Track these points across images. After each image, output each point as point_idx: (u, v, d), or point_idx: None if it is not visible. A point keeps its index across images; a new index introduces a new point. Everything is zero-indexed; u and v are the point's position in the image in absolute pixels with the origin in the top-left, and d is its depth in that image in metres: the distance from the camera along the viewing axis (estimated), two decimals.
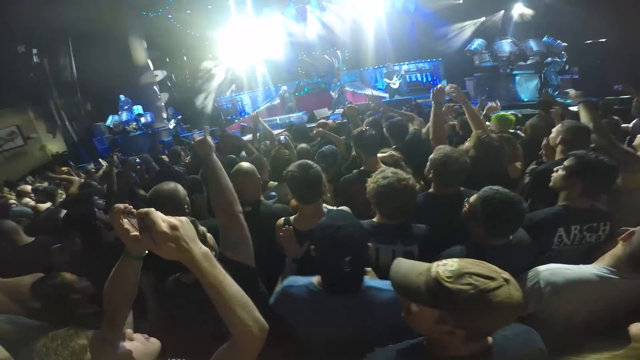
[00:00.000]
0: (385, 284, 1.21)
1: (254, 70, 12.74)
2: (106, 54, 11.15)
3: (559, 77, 8.10)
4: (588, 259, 1.32)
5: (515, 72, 8.61)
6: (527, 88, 8.44)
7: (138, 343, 0.93)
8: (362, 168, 2.38)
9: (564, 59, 8.20)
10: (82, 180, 4.15)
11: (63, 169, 5.04)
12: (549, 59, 8.05)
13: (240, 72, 12.75)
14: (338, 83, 11.02)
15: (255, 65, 12.72)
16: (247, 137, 6.48)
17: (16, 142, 10.33)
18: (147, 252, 0.98)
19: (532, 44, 8.58)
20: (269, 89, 12.44)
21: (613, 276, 1.17)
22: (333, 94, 10.83)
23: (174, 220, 0.80)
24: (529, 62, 8.73)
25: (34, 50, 10.06)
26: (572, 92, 2.54)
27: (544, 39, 8.40)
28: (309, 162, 1.78)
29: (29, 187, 4.81)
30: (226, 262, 1.33)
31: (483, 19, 10.78)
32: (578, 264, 1.27)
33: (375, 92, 11.26)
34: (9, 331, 1.30)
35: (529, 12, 9.73)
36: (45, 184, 4.90)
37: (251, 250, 1.45)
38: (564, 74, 8.22)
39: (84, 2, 9.71)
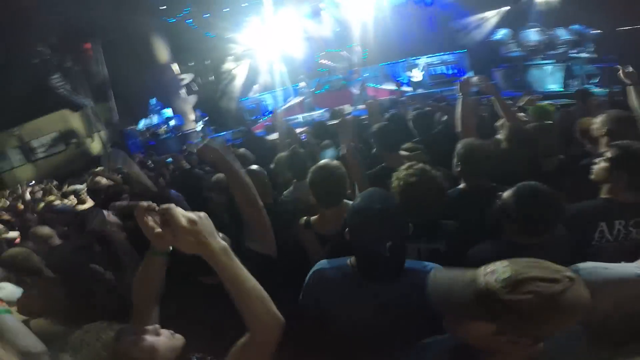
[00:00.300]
0: (426, 265, 1.18)
1: (274, 70, 12.88)
2: (133, 59, 11.74)
3: (593, 67, 7.60)
4: (634, 257, 1.25)
5: (540, 62, 8.18)
6: (557, 78, 8.00)
7: (164, 338, 0.97)
8: (383, 164, 2.32)
9: (592, 49, 7.67)
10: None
11: (97, 169, 5.34)
12: (574, 50, 7.53)
13: (261, 72, 12.90)
14: (358, 79, 10.92)
15: (274, 65, 12.86)
16: (273, 135, 6.60)
17: (58, 147, 11.10)
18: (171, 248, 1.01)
19: (561, 32, 8.11)
20: (289, 88, 12.54)
21: None
22: (354, 90, 10.75)
23: (192, 215, 0.84)
24: (559, 50, 8.26)
25: (68, 58, 10.74)
26: (624, 71, 2.27)
27: (573, 26, 7.92)
28: (333, 162, 1.71)
29: (72, 188, 5.16)
30: (251, 254, 1.38)
31: (508, 8, 10.26)
32: (622, 261, 1.21)
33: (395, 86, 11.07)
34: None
35: None
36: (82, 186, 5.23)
37: (273, 242, 1.49)
38: (597, 63, 7.71)
39: (108, 10, 10.27)
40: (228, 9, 12.23)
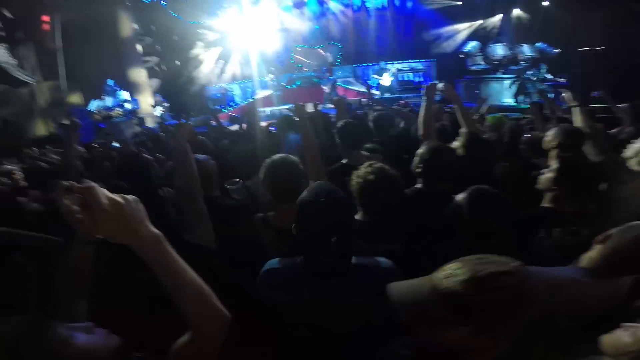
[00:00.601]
0: (374, 261, 1.19)
1: (246, 60, 12.55)
2: (95, 39, 10.83)
3: (544, 85, 8.23)
4: (568, 263, 1.30)
5: (499, 76, 8.73)
6: (512, 93, 8.57)
7: (98, 337, 0.85)
8: (344, 161, 2.31)
9: (544, 69, 8.33)
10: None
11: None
12: (529, 70, 8.13)
13: (231, 62, 12.50)
14: (330, 77, 10.94)
15: (247, 56, 12.52)
16: (235, 127, 6.40)
17: None
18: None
19: (525, 49, 8.71)
20: (261, 81, 12.27)
21: (587, 279, 1.16)
22: (325, 88, 10.74)
23: (118, 197, 0.73)
24: (519, 66, 8.85)
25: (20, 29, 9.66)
26: (566, 95, 2.51)
27: (537, 44, 8.53)
28: (288, 156, 1.68)
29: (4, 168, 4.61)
30: (186, 244, 1.28)
31: (481, 21, 10.86)
32: (557, 266, 1.26)
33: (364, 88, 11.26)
34: None
35: (526, 16, 9.84)
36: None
37: (211, 233, 1.42)
38: (549, 82, 8.37)
39: None
40: None
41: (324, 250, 1.09)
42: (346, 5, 12.01)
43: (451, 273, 0.76)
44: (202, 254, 1.28)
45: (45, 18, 9.90)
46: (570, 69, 8.16)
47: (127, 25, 11.47)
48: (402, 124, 3.42)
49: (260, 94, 11.84)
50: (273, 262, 1.26)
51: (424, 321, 0.78)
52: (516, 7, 9.94)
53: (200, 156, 1.93)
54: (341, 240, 1.09)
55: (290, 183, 1.61)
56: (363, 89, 11.22)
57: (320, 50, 12.38)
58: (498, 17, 10.57)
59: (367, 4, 11.97)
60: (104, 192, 0.73)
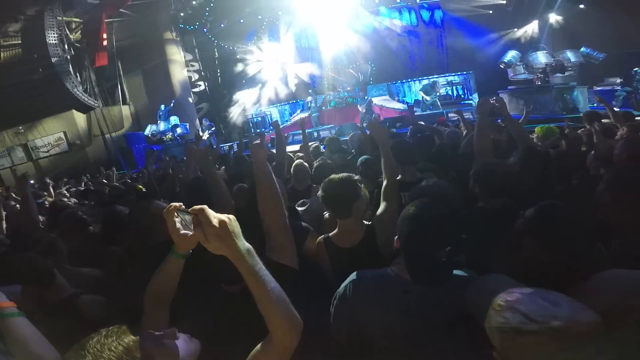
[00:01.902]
0: (470, 273, 1.23)
1: (283, 84, 13.10)
2: (147, 66, 11.95)
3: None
4: None
5: (545, 85, 8.31)
6: (566, 101, 8.09)
7: (183, 342, 0.95)
8: (399, 177, 2.30)
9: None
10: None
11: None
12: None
13: (269, 85, 13.11)
14: (366, 97, 11.07)
15: (284, 79, 13.09)
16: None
17: (62, 148, 11.14)
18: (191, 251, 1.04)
19: (569, 55, 8.27)
20: (297, 102, 12.70)
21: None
22: (360, 108, 10.88)
23: (223, 217, 0.86)
24: (566, 73, 8.41)
25: (85, 62, 10.93)
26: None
27: (582, 49, 8.08)
28: (343, 174, 1.71)
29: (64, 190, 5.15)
30: (272, 265, 1.36)
31: (515, 30, 10.55)
32: None
33: (401, 105, 11.21)
34: None
35: (563, 21, 9.42)
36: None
37: (295, 254, 1.46)
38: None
39: (127, 17, 10.54)
40: (242, 20, 12.54)
41: (435, 260, 1.14)
42: (378, 24, 12.25)
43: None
44: (287, 274, 1.33)
45: (104, 45, 10.88)
46: (624, 72, 7.61)
47: (175, 52, 12.52)
48: (437, 141, 3.42)
49: (297, 116, 12.26)
50: (361, 274, 1.28)
51: None
52: (551, 12, 9.54)
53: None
54: (452, 250, 1.15)
55: (348, 201, 1.63)
56: (400, 106, 11.22)
57: (351, 70, 12.61)
58: (534, 24, 10.20)
59: (395, 22, 12.10)
60: (212, 212, 0.86)
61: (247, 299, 1.15)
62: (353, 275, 1.29)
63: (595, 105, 6.97)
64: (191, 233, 0.90)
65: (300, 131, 4.10)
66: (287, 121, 12.48)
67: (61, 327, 1.14)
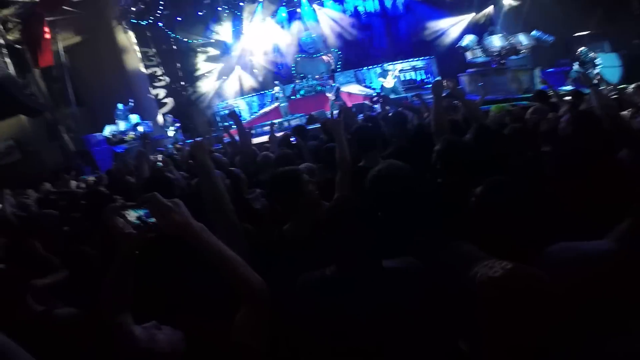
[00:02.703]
0: (402, 262, 1.22)
1: (249, 75, 12.80)
2: (100, 64, 11.19)
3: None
4: None
5: (500, 67, 8.73)
6: (521, 81, 8.55)
7: (165, 334, 0.99)
8: (360, 164, 2.34)
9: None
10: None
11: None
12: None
13: (235, 77, 12.77)
14: (334, 84, 11.11)
15: (249, 70, 12.79)
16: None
17: (14, 156, 10.31)
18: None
19: (522, 38, 8.71)
20: (265, 94, 12.51)
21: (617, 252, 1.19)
22: (329, 95, 10.91)
23: (173, 200, 0.93)
24: (520, 55, 8.86)
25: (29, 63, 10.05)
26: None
27: (533, 32, 8.53)
28: (287, 168, 1.70)
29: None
30: None
31: (473, 14, 10.93)
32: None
33: (368, 91, 11.36)
34: None
35: (516, 4, 9.87)
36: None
37: (245, 243, 1.47)
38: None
39: (73, 15, 9.78)
40: (202, 13, 12.04)
41: (356, 256, 1.13)
42: (342, 12, 12.22)
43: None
44: None
45: (47, 45, 10.08)
46: (571, 55, 8.15)
47: (129, 47, 11.80)
48: (414, 120, 3.48)
49: (267, 107, 12.06)
50: (305, 277, 1.27)
51: None
52: None
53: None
54: (373, 244, 1.14)
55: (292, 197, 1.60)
56: (367, 92, 11.36)
57: (324, 57, 12.58)
58: (490, 8, 10.64)
59: (359, 9, 12.16)
60: (162, 199, 0.92)
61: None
62: (302, 278, 1.28)
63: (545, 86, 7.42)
64: (134, 232, 0.99)
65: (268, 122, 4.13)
66: (255, 113, 12.26)
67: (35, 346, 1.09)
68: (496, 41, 8.92)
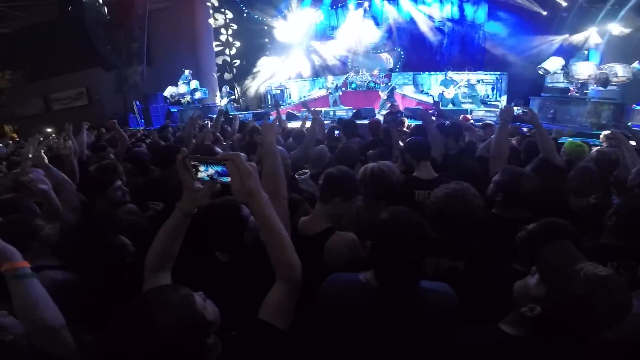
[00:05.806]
0: (438, 286, 1.22)
1: (307, 59, 12.77)
2: (176, 30, 11.86)
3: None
4: None
5: (581, 97, 7.74)
6: (600, 117, 7.54)
7: (210, 304, 0.93)
8: (414, 174, 2.29)
9: None
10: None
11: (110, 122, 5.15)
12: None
13: (292, 60, 12.81)
14: (389, 84, 10.68)
15: (308, 55, 12.75)
16: (292, 123, 6.58)
17: (82, 102, 11.36)
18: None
19: (618, 69, 7.55)
20: (317, 80, 12.42)
21: None
22: (382, 94, 10.52)
23: (252, 164, 0.94)
24: (609, 88, 7.76)
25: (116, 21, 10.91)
26: None
27: (634, 64, 7.38)
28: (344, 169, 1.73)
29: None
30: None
31: (566, 35, 9.65)
32: None
33: (424, 97, 10.81)
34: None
35: (625, 32, 8.48)
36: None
37: (288, 227, 1.43)
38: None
39: None
40: None
41: (402, 270, 1.13)
42: (416, 12, 11.61)
43: None
44: None
45: (135, 6, 10.84)
46: None
47: (205, 21, 12.38)
48: (467, 137, 3.40)
49: (315, 93, 11.97)
50: (336, 275, 1.28)
51: None
52: (613, 22, 8.57)
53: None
54: (417, 261, 1.14)
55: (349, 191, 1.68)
56: (422, 98, 10.81)
57: (382, 55, 12.16)
58: (589, 31, 9.23)
59: (435, 12, 11.45)
60: (245, 162, 0.91)
61: (238, 268, 1.31)
62: (329, 278, 1.28)
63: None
64: (202, 187, 0.99)
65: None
66: (303, 97, 12.21)
67: None
68: (584, 68, 7.86)
